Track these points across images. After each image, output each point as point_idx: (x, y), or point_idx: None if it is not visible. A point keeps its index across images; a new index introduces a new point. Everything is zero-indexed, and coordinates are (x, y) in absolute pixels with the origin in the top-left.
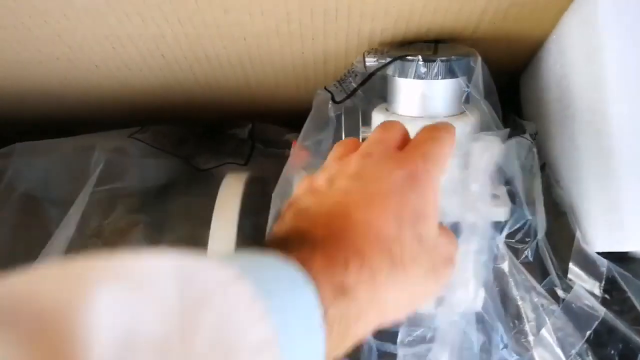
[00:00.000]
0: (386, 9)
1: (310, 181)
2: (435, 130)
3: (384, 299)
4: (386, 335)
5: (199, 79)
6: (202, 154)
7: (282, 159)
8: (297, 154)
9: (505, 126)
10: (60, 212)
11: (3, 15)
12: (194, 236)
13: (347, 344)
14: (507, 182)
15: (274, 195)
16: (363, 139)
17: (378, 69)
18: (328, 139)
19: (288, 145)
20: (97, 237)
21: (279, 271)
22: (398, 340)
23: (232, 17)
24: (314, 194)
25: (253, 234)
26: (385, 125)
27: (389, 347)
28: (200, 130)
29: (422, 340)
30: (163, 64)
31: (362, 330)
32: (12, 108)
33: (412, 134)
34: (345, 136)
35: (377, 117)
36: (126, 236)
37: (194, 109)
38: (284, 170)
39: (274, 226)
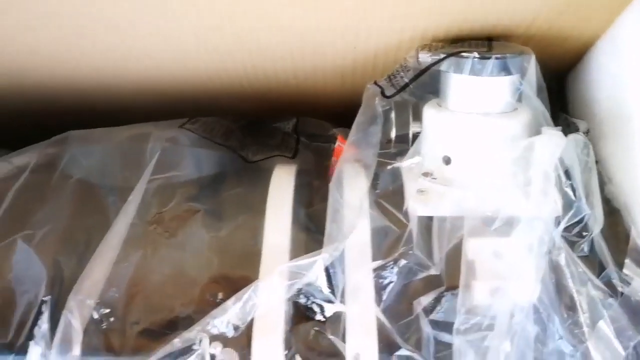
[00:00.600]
0: (444, 5)
1: None
2: None
3: None
4: (442, 324)
5: (249, 72)
6: (249, 146)
7: (327, 153)
8: (345, 148)
9: (556, 124)
10: (115, 199)
11: (60, 4)
12: (251, 225)
13: None
14: (567, 177)
15: (330, 185)
16: (413, 134)
17: (432, 64)
18: (377, 133)
19: (333, 140)
20: (157, 223)
21: None
22: (454, 328)
23: (291, 11)
24: None
25: (307, 223)
26: None
27: (444, 336)
28: (244, 123)
29: (479, 328)
30: (216, 56)
31: None
32: (64, 98)
33: (464, 130)
34: (395, 131)
35: (429, 112)
36: (186, 223)
37: (240, 101)
38: (338, 163)
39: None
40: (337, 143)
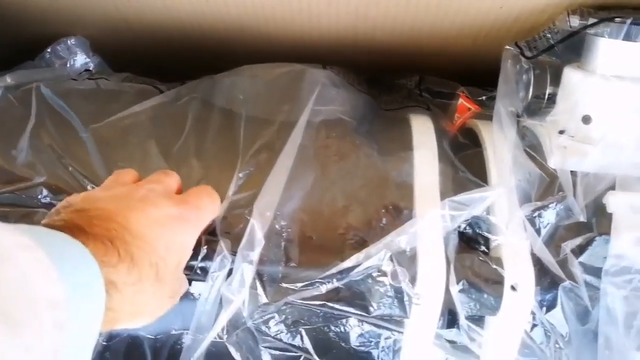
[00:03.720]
0: None
1: (90, 192)
2: (211, 191)
3: (144, 303)
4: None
5: (386, 24)
6: (378, 97)
7: (449, 109)
8: (471, 105)
9: None
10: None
11: None
12: (402, 161)
13: (105, 329)
14: None
15: (485, 134)
16: (549, 95)
17: (585, 27)
18: (512, 94)
19: (454, 97)
20: (326, 147)
21: (68, 244)
22: (603, 269)
23: None
24: (94, 201)
25: (451, 161)
26: (166, 171)
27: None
28: (367, 77)
29: (627, 271)
30: (350, 7)
31: (119, 323)
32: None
33: (610, 93)
34: (533, 92)
35: (571, 74)
36: (351, 152)
37: (365, 55)
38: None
39: (47, 217)
40: (460, 101)
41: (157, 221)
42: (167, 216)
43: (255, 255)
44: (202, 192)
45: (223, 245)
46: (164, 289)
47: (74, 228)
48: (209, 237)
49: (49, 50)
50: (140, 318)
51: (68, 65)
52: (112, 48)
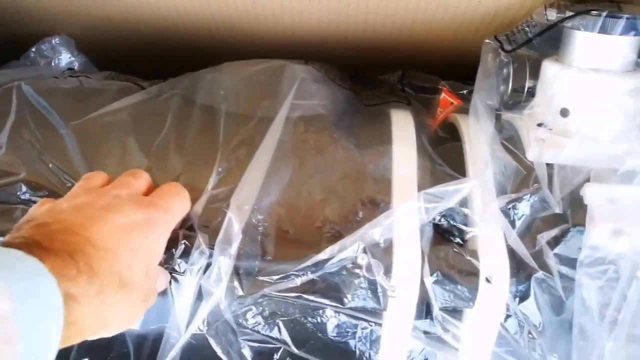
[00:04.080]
0: None
1: (54, 203)
2: (180, 190)
3: (110, 313)
4: (565, 258)
5: (368, 19)
6: (361, 93)
7: (431, 104)
8: (453, 100)
9: None
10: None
11: None
12: (381, 155)
13: (66, 344)
14: None
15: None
16: (528, 88)
17: (562, 20)
18: (495, 84)
19: (436, 92)
20: (304, 142)
21: (22, 261)
22: (578, 260)
23: None
24: (56, 213)
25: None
26: (134, 172)
27: (566, 270)
28: (350, 73)
29: (602, 262)
30: (331, 4)
31: (87, 334)
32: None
33: (586, 86)
34: (512, 86)
35: (549, 67)
36: (329, 146)
37: (349, 51)
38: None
39: (8, 235)
40: (443, 95)
41: (121, 228)
42: (132, 222)
43: (233, 249)
44: (170, 191)
45: (201, 240)
46: (133, 295)
47: (33, 245)
48: (187, 232)
49: (33, 49)
50: (110, 327)
51: (53, 65)
52: (97, 47)
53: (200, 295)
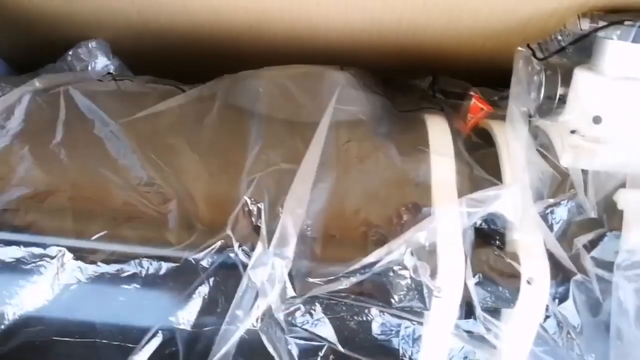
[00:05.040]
0: None
1: None
2: None
3: None
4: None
5: (402, 25)
6: (394, 98)
7: (461, 109)
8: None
9: None
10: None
11: None
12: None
13: None
14: None
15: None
16: (560, 95)
17: (595, 30)
18: (524, 94)
19: (466, 98)
20: (348, 149)
21: None
22: (615, 264)
23: None
24: None
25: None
26: None
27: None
28: (380, 78)
29: (639, 265)
30: (365, 10)
31: None
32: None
33: (619, 94)
34: (544, 93)
35: (582, 75)
36: (372, 153)
37: (380, 56)
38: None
39: None
40: (474, 101)
41: None
42: None
43: (288, 251)
44: None
45: (259, 242)
46: None
47: None
48: (245, 234)
49: (70, 53)
50: None
51: (90, 68)
52: (129, 51)
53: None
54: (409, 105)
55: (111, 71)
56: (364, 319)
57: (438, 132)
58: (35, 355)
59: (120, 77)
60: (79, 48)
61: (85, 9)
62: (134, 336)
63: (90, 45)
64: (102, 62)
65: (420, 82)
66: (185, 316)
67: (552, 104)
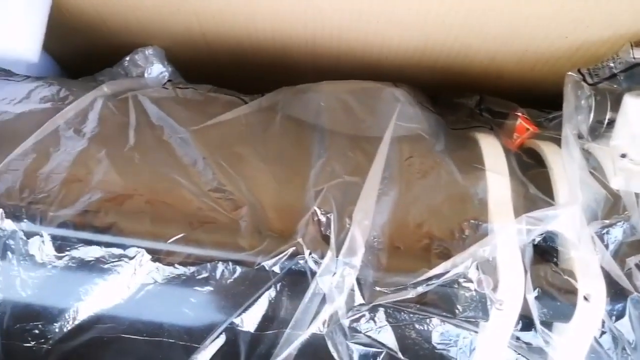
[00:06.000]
0: None
1: None
2: None
3: None
4: None
5: (451, 47)
6: (445, 116)
7: (507, 128)
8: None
9: None
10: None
11: None
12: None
13: None
14: None
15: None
16: (609, 120)
17: None
18: (577, 115)
19: (512, 118)
20: (410, 165)
21: None
22: None
23: None
24: None
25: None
26: None
27: None
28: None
29: None
30: (423, 32)
31: None
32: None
33: None
34: (594, 117)
35: (630, 101)
36: (432, 169)
37: (426, 74)
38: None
39: None
40: (520, 121)
41: None
42: None
43: (356, 260)
44: None
45: (328, 251)
46: None
47: None
48: (315, 243)
49: (127, 58)
50: None
51: (146, 75)
52: (183, 60)
53: (323, 300)
54: (459, 124)
55: (166, 78)
56: (425, 328)
57: (491, 150)
58: (101, 350)
59: (183, 86)
60: (136, 54)
61: (147, 18)
62: (199, 336)
63: (146, 52)
64: (157, 69)
65: (467, 100)
66: (250, 319)
67: (600, 128)
